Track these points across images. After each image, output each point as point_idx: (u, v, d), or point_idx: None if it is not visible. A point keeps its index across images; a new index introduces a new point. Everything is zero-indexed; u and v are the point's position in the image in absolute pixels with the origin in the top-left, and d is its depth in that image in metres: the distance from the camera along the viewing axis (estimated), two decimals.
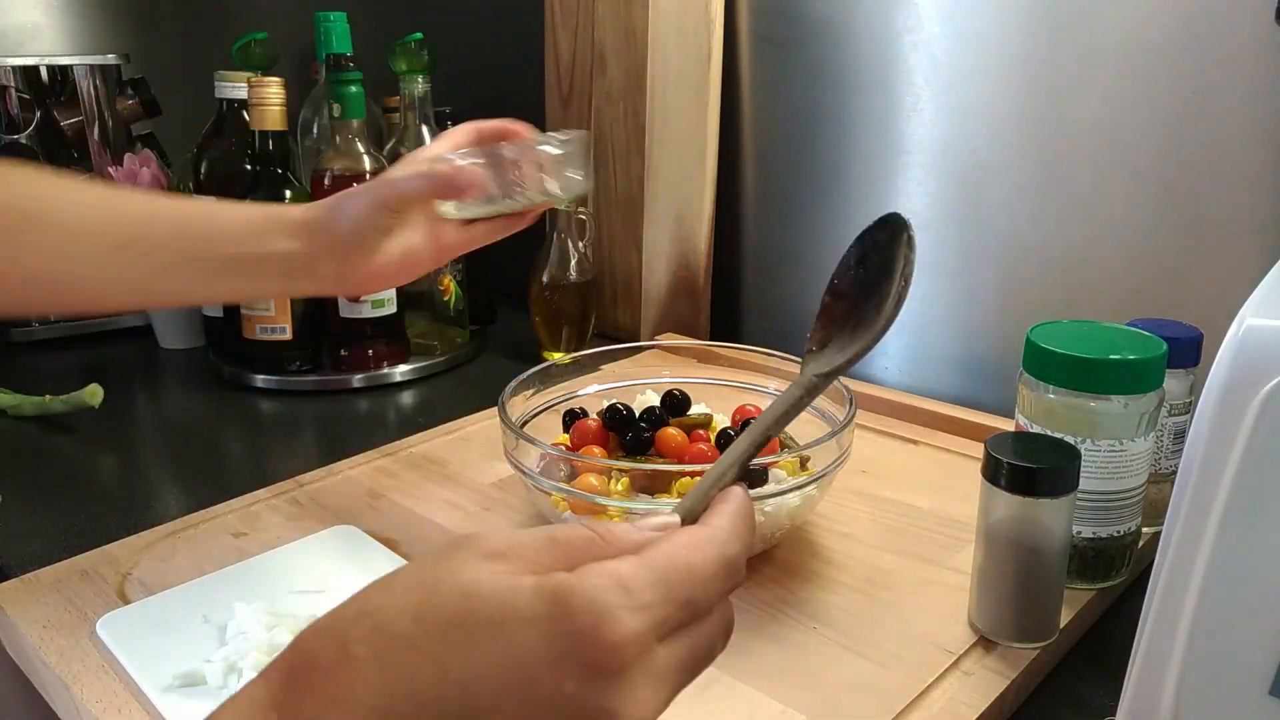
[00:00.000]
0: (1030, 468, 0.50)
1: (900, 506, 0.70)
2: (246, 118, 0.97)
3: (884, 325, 0.37)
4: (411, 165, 0.61)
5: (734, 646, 0.54)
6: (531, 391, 0.71)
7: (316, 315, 0.99)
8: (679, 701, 0.51)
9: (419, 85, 0.99)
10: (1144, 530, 0.60)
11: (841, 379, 0.68)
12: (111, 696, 0.50)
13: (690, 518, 0.33)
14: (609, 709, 0.27)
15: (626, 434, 0.66)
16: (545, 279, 1.01)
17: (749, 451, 0.35)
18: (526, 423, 0.70)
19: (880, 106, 0.92)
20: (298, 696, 0.27)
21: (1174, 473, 0.63)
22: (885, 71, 0.91)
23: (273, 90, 0.93)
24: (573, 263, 1.01)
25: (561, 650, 0.26)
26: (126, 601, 0.59)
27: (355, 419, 0.92)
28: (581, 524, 0.31)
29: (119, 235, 0.55)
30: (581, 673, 0.27)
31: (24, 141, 1.06)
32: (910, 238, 0.37)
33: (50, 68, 1.08)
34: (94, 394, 0.88)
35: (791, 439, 0.68)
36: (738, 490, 0.34)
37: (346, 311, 0.96)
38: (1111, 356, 0.54)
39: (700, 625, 0.31)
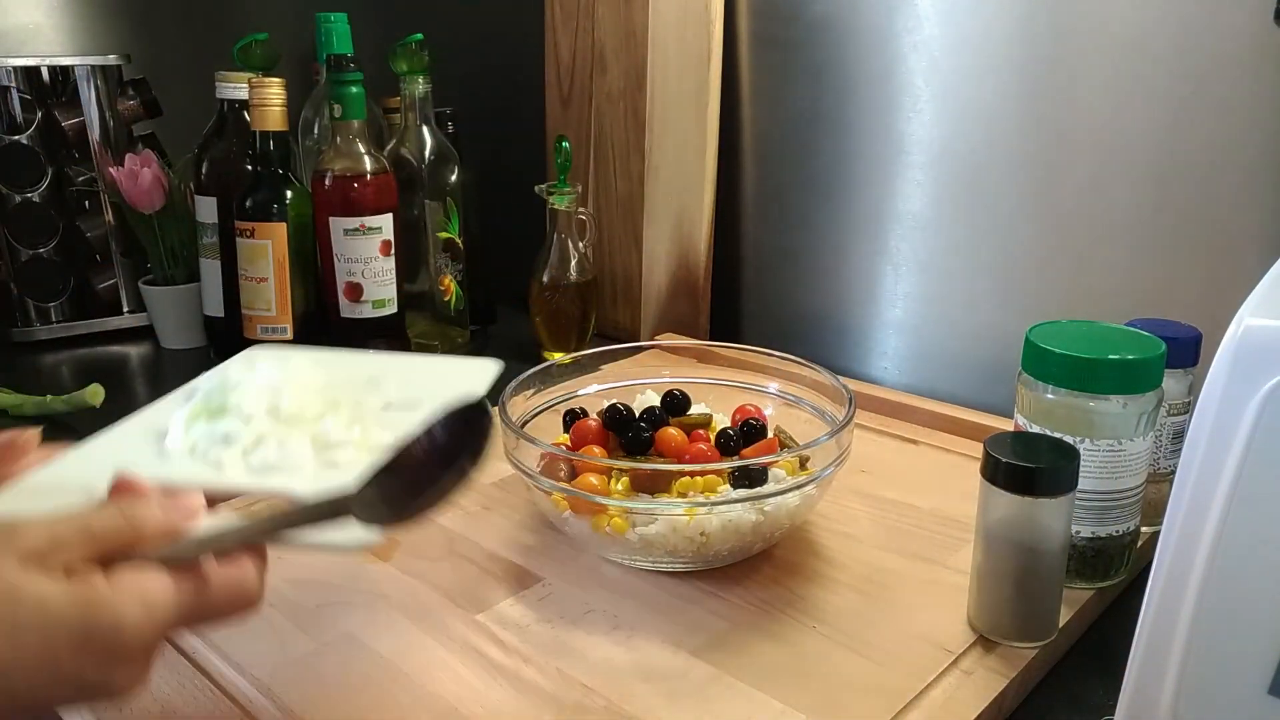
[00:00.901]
0: (1029, 467, 0.51)
1: (900, 506, 0.70)
2: (247, 118, 0.97)
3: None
4: None
5: (734, 645, 0.54)
6: (531, 391, 0.71)
7: (317, 315, 0.99)
8: (679, 700, 0.51)
9: (419, 86, 0.99)
10: (1143, 530, 0.61)
11: (841, 379, 0.68)
12: None
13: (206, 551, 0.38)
14: (109, 682, 0.35)
15: (626, 434, 0.66)
16: (545, 279, 1.01)
17: (246, 532, 0.39)
18: (526, 423, 0.70)
19: (880, 107, 0.92)
20: None
21: (1173, 472, 0.63)
22: (885, 72, 0.91)
23: (273, 91, 0.93)
24: (573, 263, 1.01)
25: (83, 644, 0.34)
26: None
27: None
28: (116, 509, 0.38)
29: None
30: (99, 661, 0.35)
31: (25, 142, 1.06)
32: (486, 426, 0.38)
33: (51, 68, 1.08)
34: (95, 394, 0.88)
35: (791, 439, 0.68)
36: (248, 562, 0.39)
37: (347, 312, 0.96)
38: (1110, 356, 0.54)
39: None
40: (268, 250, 0.95)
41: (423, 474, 0.38)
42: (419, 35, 1.01)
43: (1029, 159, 0.83)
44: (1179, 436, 0.63)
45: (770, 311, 1.08)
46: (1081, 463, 0.53)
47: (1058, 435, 0.56)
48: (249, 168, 0.98)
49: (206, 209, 1.02)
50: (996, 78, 0.84)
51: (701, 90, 1.03)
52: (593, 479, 0.61)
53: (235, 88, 1.00)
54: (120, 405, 0.93)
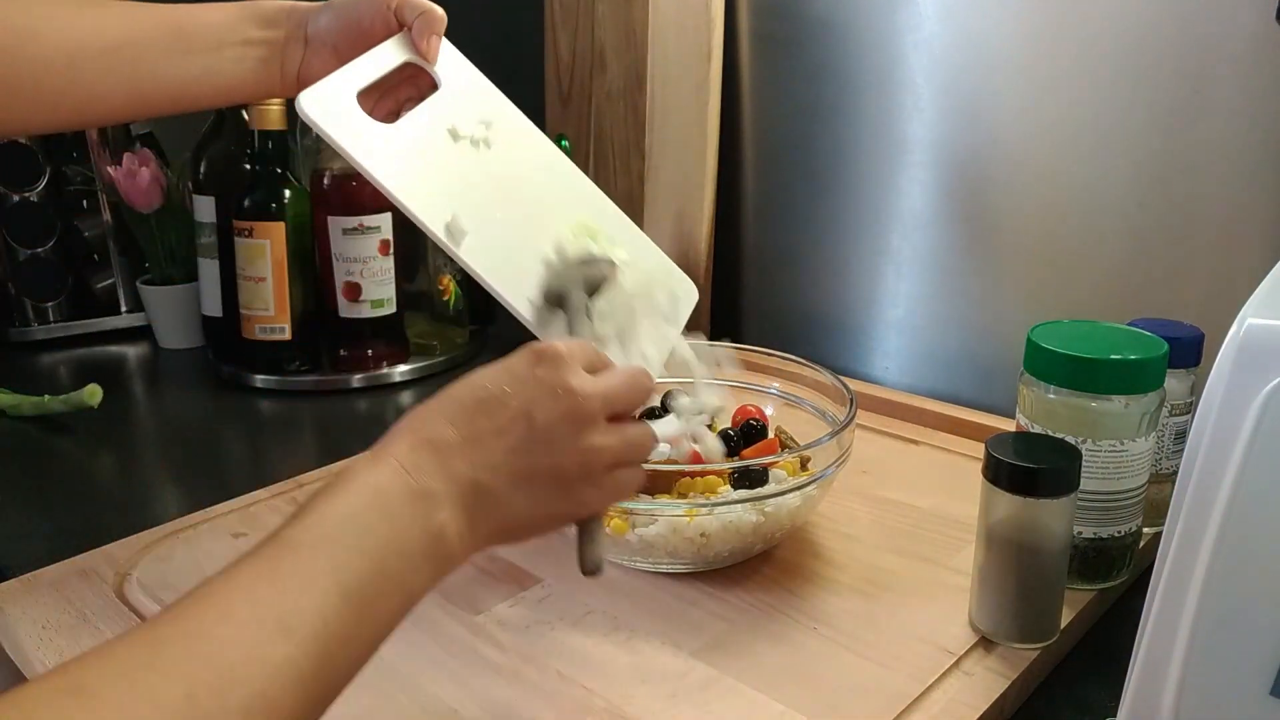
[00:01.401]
0: (1031, 468, 0.50)
1: (901, 507, 0.69)
2: (246, 117, 0.97)
3: None
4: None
5: (734, 647, 0.54)
6: None
7: (316, 315, 0.98)
8: (679, 702, 0.51)
9: None
10: (1145, 530, 0.60)
11: (842, 379, 0.68)
12: None
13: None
14: (565, 384, 0.44)
15: None
16: None
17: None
18: None
19: (881, 106, 0.92)
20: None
21: (1175, 473, 0.63)
22: (886, 71, 0.91)
23: None
24: None
25: (533, 356, 0.45)
26: (126, 602, 0.58)
27: (355, 419, 0.92)
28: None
29: (110, 38, 0.58)
30: (548, 363, 0.44)
31: (23, 142, 1.06)
32: None
33: None
34: (93, 394, 0.88)
35: (792, 439, 0.68)
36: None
37: (346, 312, 0.96)
38: (1112, 356, 0.54)
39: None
40: (266, 250, 0.94)
41: None
42: None
43: (1030, 158, 0.83)
44: (1181, 437, 0.63)
45: (770, 311, 1.08)
46: (1083, 463, 0.52)
47: (1059, 435, 0.56)
48: (247, 167, 0.98)
49: (205, 208, 1.02)
50: (998, 76, 0.83)
51: (702, 89, 1.02)
52: None
53: None
54: (118, 405, 0.93)
